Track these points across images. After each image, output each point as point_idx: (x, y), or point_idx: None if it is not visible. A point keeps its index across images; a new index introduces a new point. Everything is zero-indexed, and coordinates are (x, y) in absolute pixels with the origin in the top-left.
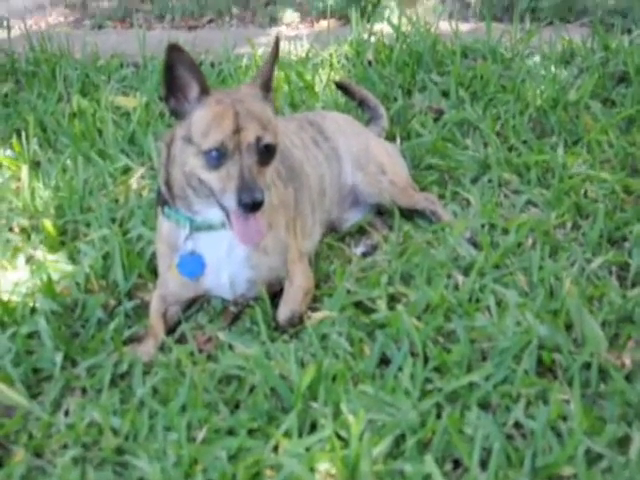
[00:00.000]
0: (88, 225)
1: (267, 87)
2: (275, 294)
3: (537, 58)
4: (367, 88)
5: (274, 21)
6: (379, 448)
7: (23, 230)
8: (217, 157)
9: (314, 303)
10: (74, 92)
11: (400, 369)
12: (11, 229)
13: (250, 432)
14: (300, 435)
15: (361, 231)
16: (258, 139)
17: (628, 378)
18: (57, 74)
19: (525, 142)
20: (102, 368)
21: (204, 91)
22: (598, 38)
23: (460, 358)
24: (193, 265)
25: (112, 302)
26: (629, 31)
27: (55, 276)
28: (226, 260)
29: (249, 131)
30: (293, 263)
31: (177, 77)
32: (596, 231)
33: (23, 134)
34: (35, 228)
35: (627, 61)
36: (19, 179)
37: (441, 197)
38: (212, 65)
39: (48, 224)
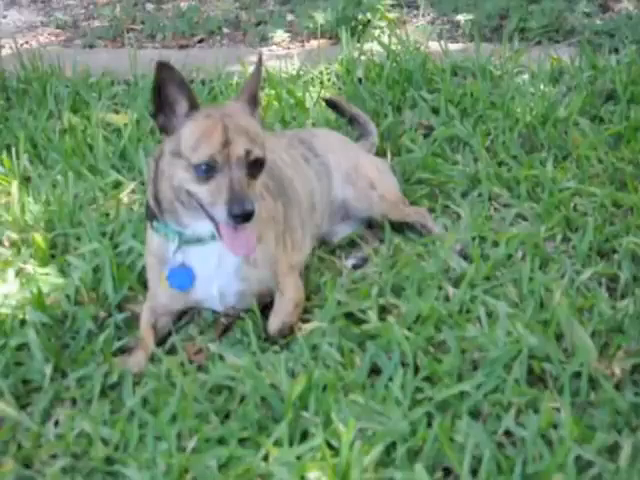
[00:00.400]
0: (78, 239)
1: (253, 102)
2: (266, 306)
3: (526, 76)
4: (357, 105)
5: (265, 41)
6: (370, 456)
7: (13, 244)
8: (206, 170)
9: (305, 314)
10: (65, 109)
11: (391, 379)
12: (1, 243)
13: (240, 441)
14: (291, 444)
15: (352, 244)
16: (247, 152)
17: (618, 387)
18: (48, 92)
19: (515, 157)
20: (92, 379)
21: (193, 107)
22: (586, 57)
23: (451, 368)
24: (183, 277)
25: (102, 314)
26: (616, 50)
27: (45, 289)
28: (216, 272)
29: (238, 144)
30: (284, 276)
31: (166, 94)
32: (586, 243)
33: (13, 150)
34: (25, 242)
35: (615, 79)
36: (9, 194)
37: (431, 211)
38: (203, 82)
39: (38, 238)
